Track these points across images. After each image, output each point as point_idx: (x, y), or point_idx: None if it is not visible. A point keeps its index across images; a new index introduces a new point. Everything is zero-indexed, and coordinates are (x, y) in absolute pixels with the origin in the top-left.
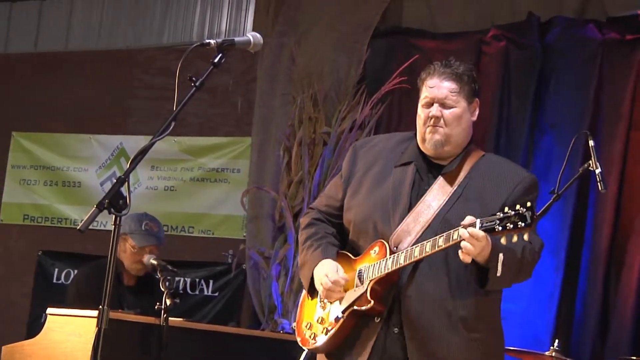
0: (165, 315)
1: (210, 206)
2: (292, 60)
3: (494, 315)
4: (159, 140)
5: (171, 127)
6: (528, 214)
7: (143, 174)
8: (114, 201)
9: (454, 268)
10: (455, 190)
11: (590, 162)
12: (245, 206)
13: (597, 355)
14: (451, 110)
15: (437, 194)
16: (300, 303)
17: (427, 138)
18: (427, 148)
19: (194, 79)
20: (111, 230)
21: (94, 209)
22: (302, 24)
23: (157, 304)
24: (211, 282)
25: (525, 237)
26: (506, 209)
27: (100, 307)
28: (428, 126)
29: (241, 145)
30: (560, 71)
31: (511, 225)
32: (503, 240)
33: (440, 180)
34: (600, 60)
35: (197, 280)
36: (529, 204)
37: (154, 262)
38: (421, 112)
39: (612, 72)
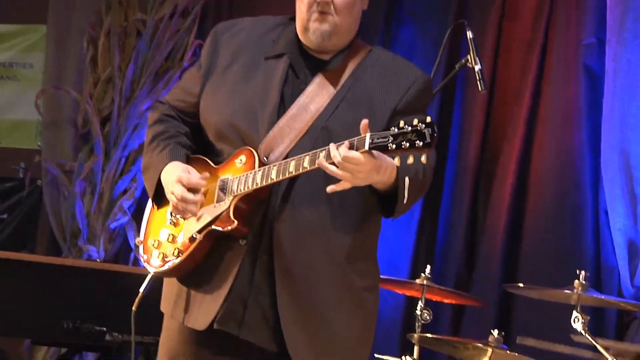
0: None
1: None
2: None
3: (374, 242)
4: None
5: None
6: (427, 132)
7: None
8: None
9: None
10: (337, 93)
11: (469, 57)
12: (40, 109)
13: (463, 284)
14: None
15: (316, 95)
16: (147, 214)
17: (311, 27)
18: (309, 39)
19: None
20: None
21: None
22: None
23: None
24: None
25: (423, 158)
26: (402, 124)
27: None
28: (314, 12)
29: (34, 35)
30: None
31: (407, 144)
32: (397, 162)
33: (319, 78)
34: None
35: None
36: (428, 119)
37: None
38: None
39: None
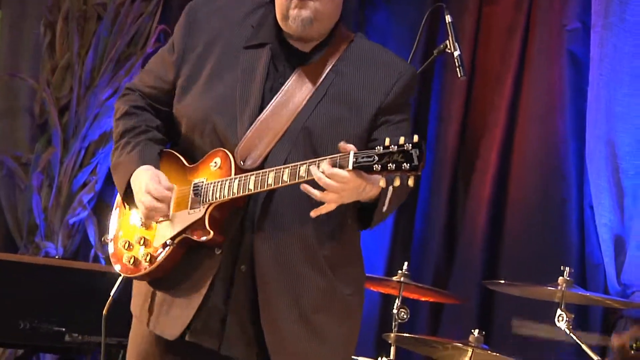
0: None
1: None
2: None
3: (356, 246)
4: None
5: None
6: (415, 153)
7: None
8: None
9: None
10: (317, 90)
11: (447, 42)
12: None
13: (441, 281)
14: None
15: (295, 92)
16: (116, 213)
17: (291, 15)
18: (290, 27)
19: None
20: None
21: None
22: None
23: None
24: None
25: (410, 182)
26: (387, 142)
27: None
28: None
29: None
30: None
31: (393, 166)
32: (382, 183)
33: (298, 73)
34: None
35: None
36: (416, 138)
37: None
38: None
39: None
